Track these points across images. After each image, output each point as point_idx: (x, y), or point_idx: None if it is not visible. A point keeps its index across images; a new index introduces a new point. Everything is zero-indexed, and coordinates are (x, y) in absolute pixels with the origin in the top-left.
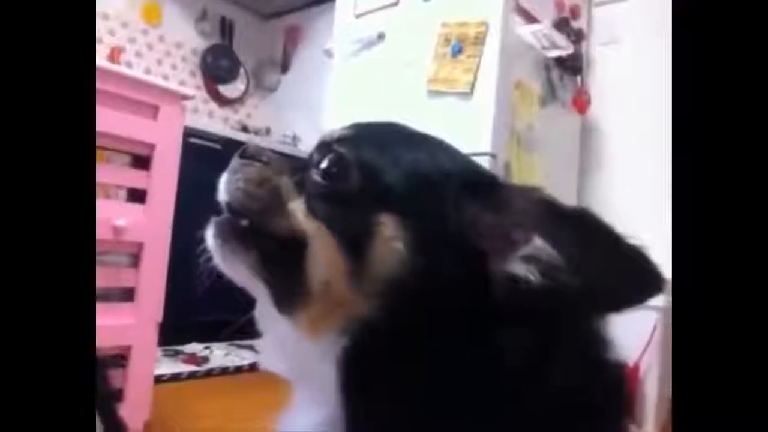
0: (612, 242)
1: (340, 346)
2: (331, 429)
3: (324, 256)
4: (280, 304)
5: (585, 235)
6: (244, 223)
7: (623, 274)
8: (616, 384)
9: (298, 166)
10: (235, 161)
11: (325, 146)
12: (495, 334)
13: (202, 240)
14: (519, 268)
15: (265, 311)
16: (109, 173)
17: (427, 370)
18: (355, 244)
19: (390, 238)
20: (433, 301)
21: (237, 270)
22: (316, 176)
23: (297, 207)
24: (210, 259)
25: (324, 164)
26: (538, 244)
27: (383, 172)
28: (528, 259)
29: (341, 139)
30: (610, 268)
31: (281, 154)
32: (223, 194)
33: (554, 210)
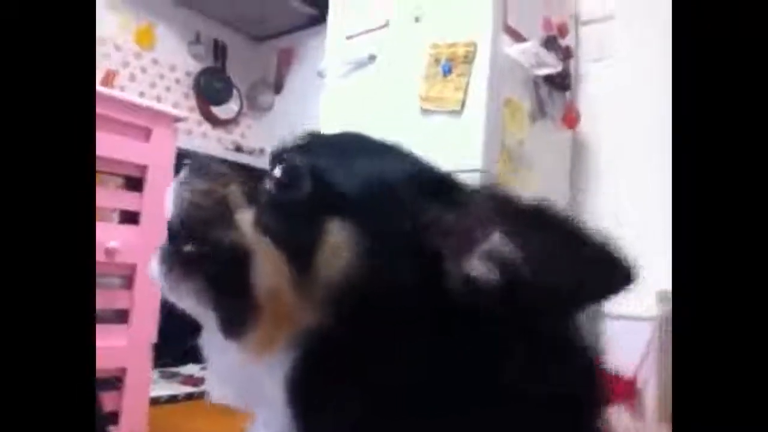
0: (572, 235)
1: (288, 363)
2: None
3: (268, 267)
4: (227, 329)
5: (544, 229)
6: (188, 248)
7: (587, 268)
8: (586, 374)
9: (252, 177)
10: (183, 173)
11: (278, 156)
12: (453, 337)
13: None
14: (478, 267)
15: (210, 339)
16: (102, 196)
17: (380, 379)
18: (301, 253)
19: (337, 244)
20: (386, 307)
21: (183, 297)
22: (267, 186)
23: (245, 218)
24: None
25: (276, 173)
26: (497, 240)
27: (336, 179)
28: (487, 257)
29: (294, 148)
30: (571, 262)
31: (239, 166)
32: (170, 206)
33: (511, 205)
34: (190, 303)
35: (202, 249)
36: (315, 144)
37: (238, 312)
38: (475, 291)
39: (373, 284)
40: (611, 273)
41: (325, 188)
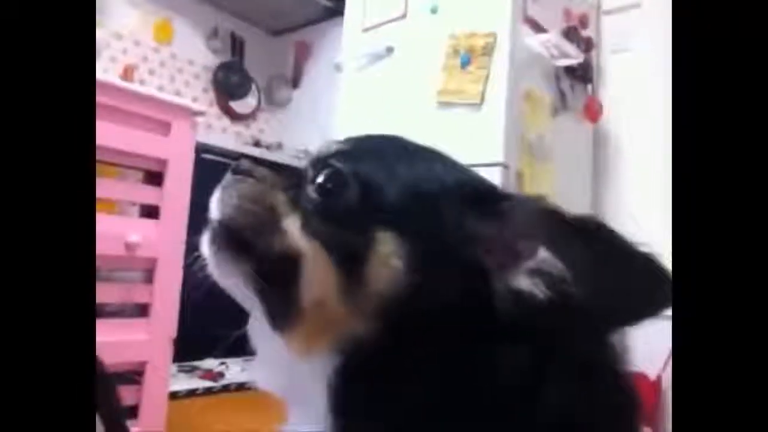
0: (622, 252)
1: (331, 366)
2: None
3: (318, 275)
4: (273, 319)
5: (592, 245)
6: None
7: (635, 286)
8: (623, 407)
9: (292, 180)
10: (228, 177)
11: (320, 161)
12: (497, 353)
13: (196, 247)
14: (524, 283)
15: (257, 326)
16: (123, 189)
17: (422, 392)
18: (350, 261)
19: (386, 255)
20: (431, 320)
21: (231, 280)
22: (311, 192)
23: (292, 224)
24: (202, 268)
25: (320, 179)
26: (544, 256)
27: (380, 187)
28: (533, 273)
29: (337, 154)
30: (620, 279)
31: (276, 168)
32: (215, 212)
33: (559, 220)
34: (237, 288)
35: (252, 241)
36: (356, 148)
37: (283, 306)
38: (521, 307)
39: (421, 298)
40: (660, 290)
41: (371, 196)
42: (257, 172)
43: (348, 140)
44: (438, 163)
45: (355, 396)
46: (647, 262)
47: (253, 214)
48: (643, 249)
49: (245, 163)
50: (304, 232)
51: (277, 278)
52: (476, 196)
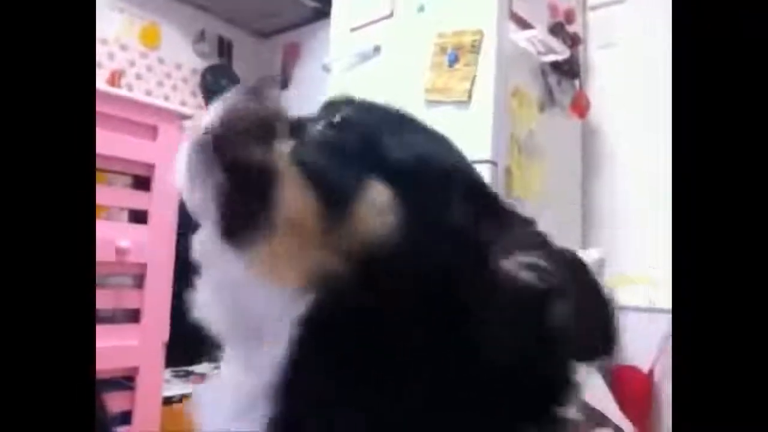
0: (594, 288)
1: (304, 301)
2: (260, 403)
3: (295, 198)
4: (232, 234)
5: (573, 272)
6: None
7: (595, 326)
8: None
9: (300, 120)
10: (237, 89)
11: (332, 105)
12: (480, 329)
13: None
14: (518, 269)
15: (208, 243)
16: (111, 195)
17: (392, 350)
18: (335, 196)
19: (376, 203)
20: (413, 283)
21: (203, 186)
22: (313, 128)
23: (282, 145)
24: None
25: (327, 118)
26: (536, 258)
27: (385, 144)
28: (527, 266)
29: (352, 103)
30: (588, 313)
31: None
32: (212, 113)
33: (548, 244)
34: (204, 196)
35: (236, 149)
36: (372, 106)
37: (250, 222)
38: (512, 286)
39: (403, 257)
40: (608, 342)
41: (374, 148)
42: (268, 93)
43: (367, 101)
44: (447, 146)
45: (325, 334)
46: (611, 309)
47: (248, 120)
48: (610, 296)
49: (261, 82)
50: (292, 155)
51: (249, 193)
52: (481, 189)
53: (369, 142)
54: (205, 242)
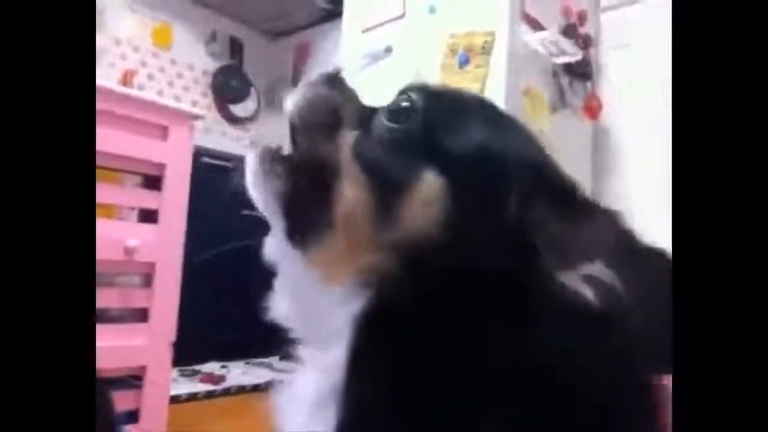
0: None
1: (359, 301)
2: (331, 406)
3: (351, 195)
4: (295, 234)
5: (655, 279)
6: (287, 152)
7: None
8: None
9: (369, 108)
10: (313, 78)
11: (404, 92)
12: (528, 338)
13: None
14: (576, 283)
15: (278, 246)
16: (121, 194)
17: (446, 353)
18: (388, 189)
19: (427, 196)
20: (463, 283)
21: (265, 194)
22: (380, 116)
23: (346, 138)
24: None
25: (394, 106)
26: (601, 269)
27: (446, 131)
28: (587, 279)
29: (420, 89)
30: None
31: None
32: (288, 104)
33: (631, 243)
34: (266, 201)
35: (303, 147)
36: (444, 92)
37: (309, 223)
38: (567, 304)
39: (453, 255)
40: None
41: (434, 135)
42: (342, 82)
43: (441, 85)
44: (523, 138)
45: (380, 340)
46: None
47: (317, 113)
48: None
49: (335, 71)
50: (353, 148)
51: (311, 193)
52: (555, 186)
53: (430, 130)
54: (274, 244)
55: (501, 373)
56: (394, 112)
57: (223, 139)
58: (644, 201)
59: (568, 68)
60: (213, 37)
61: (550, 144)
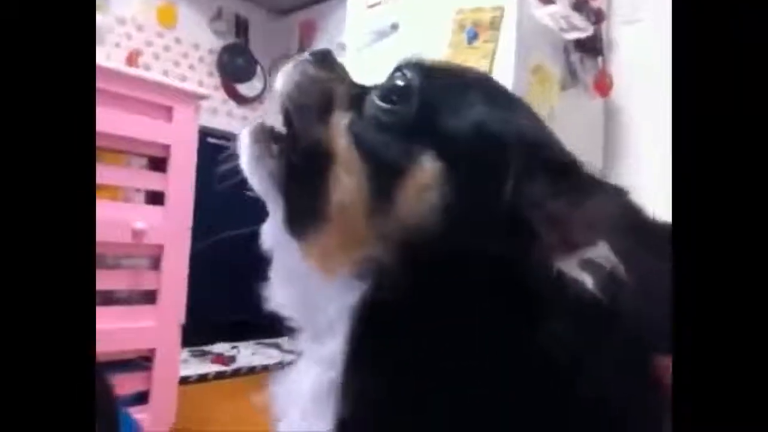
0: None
1: (356, 293)
2: (330, 401)
3: (347, 177)
4: (292, 223)
5: (664, 257)
6: (280, 130)
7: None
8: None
9: (363, 88)
10: (304, 56)
11: (399, 70)
12: (527, 327)
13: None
14: (574, 270)
15: (275, 233)
16: (127, 176)
17: (444, 344)
18: (385, 173)
19: (424, 181)
20: (461, 271)
21: (259, 174)
22: (374, 96)
23: (339, 118)
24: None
25: (389, 85)
26: (604, 252)
27: (442, 111)
28: (587, 264)
29: (416, 65)
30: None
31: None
32: (279, 84)
33: (638, 221)
34: (263, 184)
35: (295, 127)
36: (439, 68)
37: (306, 209)
38: (564, 290)
39: (451, 241)
40: None
41: (430, 116)
42: (332, 60)
43: (436, 61)
44: (521, 115)
45: (377, 331)
46: None
47: (309, 94)
48: None
49: (326, 51)
50: (348, 131)
51: (307, 176)
52: (555, 163)
53: (427, 111)
54: (271, 231)
55: (499, 363)
56: (388, 91)
57: (229, 119)
58: (655, 177)
59: (579, 44)
60: (218, 15)
61: (561, 122)
